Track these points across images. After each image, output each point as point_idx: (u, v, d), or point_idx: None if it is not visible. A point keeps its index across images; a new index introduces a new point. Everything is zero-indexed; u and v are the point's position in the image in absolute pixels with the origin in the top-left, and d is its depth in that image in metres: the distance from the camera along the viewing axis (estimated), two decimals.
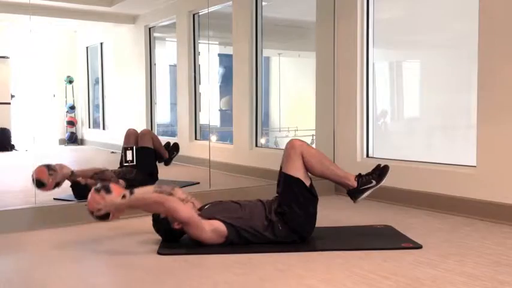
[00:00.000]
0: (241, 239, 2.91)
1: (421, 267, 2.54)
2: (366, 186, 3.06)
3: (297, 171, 2.96)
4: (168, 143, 5.20)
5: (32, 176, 3.97)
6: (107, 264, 2.79)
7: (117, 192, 2.96)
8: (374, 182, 3.06)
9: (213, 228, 2.86)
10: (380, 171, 3.09)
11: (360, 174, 3.10)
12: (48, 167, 4.07)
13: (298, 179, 2.95)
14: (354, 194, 3.08)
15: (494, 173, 3.61)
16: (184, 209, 2.84)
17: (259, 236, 2.93)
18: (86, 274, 2.59)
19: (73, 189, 4.20)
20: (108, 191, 2.94)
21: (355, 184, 3.06)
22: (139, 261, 2.75)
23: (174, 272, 2.54)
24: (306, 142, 3.09)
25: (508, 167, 3.53)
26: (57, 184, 4.14)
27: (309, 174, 3.03)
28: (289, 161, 2.98)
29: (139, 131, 4.91)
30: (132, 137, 4.71)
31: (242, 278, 2.43)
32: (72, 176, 4.22)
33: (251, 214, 2.95)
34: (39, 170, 4.02)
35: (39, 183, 3.99)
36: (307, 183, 2.99)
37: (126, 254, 2.89)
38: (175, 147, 5.10)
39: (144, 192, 2.98)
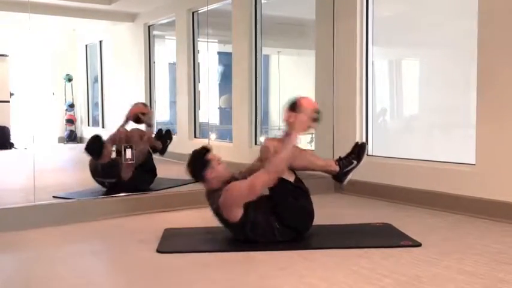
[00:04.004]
0: (243, 230, 2.91)
1: (420, 265, 2.54)
2: (348, 168, 3.16)
3: None
4: (160, 130, 5.14)
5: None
6: (106, 262, 2.80)
7: (307, 104, 3.00)
8: (355, 162, 3.18)
9: (240, 209, 2.87)
10: (358, 150, 3.20)
11: (340, 157, 3.20)
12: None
13: (281, 179, 2.95)
14: (339, 177, 3.18)
15: (493, 171, 3.62)
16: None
17: (260, 231, 2.92)
18: (85, 272, 2.59)
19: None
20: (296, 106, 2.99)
21: (337, 168, 3.16)
22: (138, 259, 2.75)
23: (173, 270, 2.54)
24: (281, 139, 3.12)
25: (507, 165, 3.53)
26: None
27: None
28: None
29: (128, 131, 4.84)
30: (123, 138, 4.67)
31: (242, 276, 2.44)
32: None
33: (251, 209, 2.95)
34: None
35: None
36: (291, 179, 3.00)
37: (125, 252, 2.90)
38: (168, 134, 5.04)
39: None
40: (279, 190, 2.94)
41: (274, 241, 2.93)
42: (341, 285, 2.29)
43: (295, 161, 3.02)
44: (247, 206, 2.88)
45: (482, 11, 3.65)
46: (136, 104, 4.82)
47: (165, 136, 4.98)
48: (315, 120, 3.02)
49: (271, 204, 2.96)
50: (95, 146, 4.43)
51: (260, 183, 2.86)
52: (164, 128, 5.24)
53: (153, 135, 5.04)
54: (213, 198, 2.96)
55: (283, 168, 2.91)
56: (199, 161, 2.99)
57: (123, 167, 4.42)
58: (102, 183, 4.48)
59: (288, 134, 2.95)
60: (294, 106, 2.99)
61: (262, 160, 3.07)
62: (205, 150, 3.04)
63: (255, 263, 2.63)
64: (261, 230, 2.92)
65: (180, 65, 6.55)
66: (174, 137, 5.35)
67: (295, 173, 3.05)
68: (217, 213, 2.95)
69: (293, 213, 2.97)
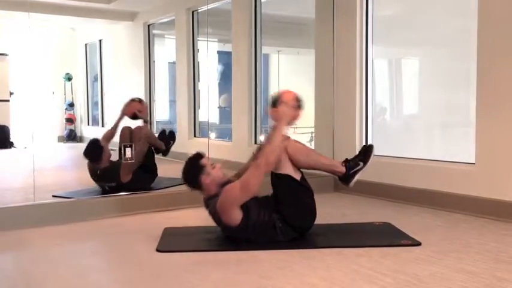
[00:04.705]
0: (246, 233, 2.91)
1: (420, 264, 2.55)
2: (355, 170, 3.15)
3: (285, 168, 2.98)
4: (163, 131, 5.14)
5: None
6: (106, 262, 2.80)
7: (288, 98, 3.04)
8: (361, 164, 3.16)
9: (238, 212, 2.86)
10: (365, 152, 3.19)
11: (346, 159, 3.19)
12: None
13: (288, 176, 2.97)
14: (345, 179, 3.16)
15: (493, 170, 3.62)
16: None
17: (261, 232, 2.91)
18: (85, 271, 2.59)
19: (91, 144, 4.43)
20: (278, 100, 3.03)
21: (344, 170, 3.14)
22: (138, 258, 2.75)
23: (173, 269, 2.54)
24: (288, 137, 3.12)
25: (507, 164, 3.53)
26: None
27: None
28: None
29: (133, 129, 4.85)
30: (127, 135, 4.69)
31: (241, 276, 2.43)
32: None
33: (255, 211, 2.95)
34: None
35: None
36: (298, 177, 3.00)
37: (125, 251, 2.90)
38: (171, 135, 5.05)
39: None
40: (285, 188, 2.95)
41: (275, 240, 2.93)
42: (341, 284, 2.29)
43: (301, 159, 3.01)
44: (248, 209, 2.87)
45: (482, 9, 3.65)
46: (132, 101, 4.78)
47: (168, 137, 4.99)
48: (298, 107, 3.04)
49: (275, 202, 2.97)
50: (94, 150, 4.44)
51: (252, 180, 2.82)
52: (167, 129, 5.24)
53: (156, 135, 5.05)
54: (211, 204, 2.94)
55: (273, 161, 2.88)
56: (193, 168, 2.97)
57: (122, 171, 4.41)
58: (102, 186, 4.49)
59: (274, 127, 2.97)
60: (274, 102, 3.03)
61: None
62: (198, 155, 3.02)
63: (255, 262, 2.63)
64: (263, 230, 2.92)
65: (179, 64, 6.54)
66: None
67: (301, 172, 3.05)
68: (217, 220, 2.93)
69: (297, 211, 2.97)
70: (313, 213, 3.05)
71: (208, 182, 2.94)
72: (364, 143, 4.67)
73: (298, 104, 3.05)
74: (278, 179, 3.00)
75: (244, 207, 2.87)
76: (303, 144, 3.15)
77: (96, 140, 4.51)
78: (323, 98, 5.00)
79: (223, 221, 2.90)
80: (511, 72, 3.50)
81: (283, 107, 2.99)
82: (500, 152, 3.57)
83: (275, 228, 2.92)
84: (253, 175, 2.82)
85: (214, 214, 2.92)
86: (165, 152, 4.94)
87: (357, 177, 3.15)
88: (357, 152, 3.29)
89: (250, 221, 2.88)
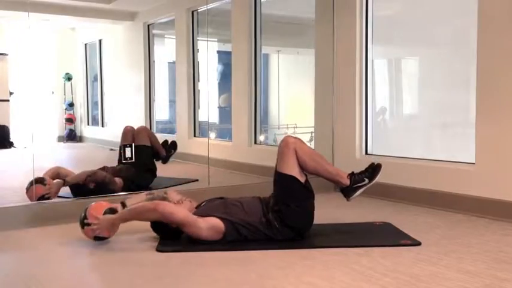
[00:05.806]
0: (240, 236, 2.92)
1: (420, 264, 2.54)
2: (358, 184, 3.09)
3: (291, 169, 2.97)
4: (166, 141, 5.19)
5: (31, 196, 3.81)
6: (105, 262, 2.79)
7: (96, 212, 2.97)
8: (367, 180, 3.10)
9: (210, 226, 2.87)
10: (373, 170, 3.13)
11: (352, 172, 3.13)
12: (41, 182, 3.88)
13: (292, 177, 2.96)
14: (347, 191, 3.12)
15: (493, 170, 3.62)
16: (179, 210, 2.87)
17: (257, 232, 2.93)
18: (84, 271, 2.59)
19: (71, 189, 4.19)
20: (86, 218, 2.97)
21: (347, 182, 3.09)
22: (138, 258, 2.75)
23: (173, 270, 2.54)
24: (299, 139, 3.10)
25: (507, 164, 3.53)
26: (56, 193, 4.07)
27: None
28: (283, 159, 2.99)
29: (136, 128, 4.88)
30: (129, 134, 4.70)
31: (241, 275, 2.43)
32: (65, 184, 4.14)
33: (248, 210, 2.96)
34: (36, 190, 3.80)
35: (44, 199, 3.85)
36: (302, 180, 2.99)
37: (125, 251, 2.89)
38: (173, 145, 5.09)
39: (135, 202, 3.03)
40: (288, 188, 2.95)
41: (274, 240, 2.93)
42: (341, 284, 2.29)
43: (308, 162, 2.99)
44: (227, 215, 2.91)
45: (482, 9, 3.65)
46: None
47: (170, 146, 5.06)
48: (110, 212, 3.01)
49: (275, 202, 2.96)
50: (80, 190, 4.13)
51: (172, 219, 2.85)
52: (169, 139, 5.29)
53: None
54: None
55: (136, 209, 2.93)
56: (169, 232, 2.98)
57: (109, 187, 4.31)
58: None
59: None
60: (82, 220, 2.99)
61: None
62: (154, 226, 3.03)
63: (255, 262, 2.63)
64: (256, 229, 2.93)
65: (179, 64, 6.54)
66: (174, 136, 5.38)
67: (305, 175, 3.04)
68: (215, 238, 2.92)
69: (296, 213, 2.96)
70: (311, 218, 3.05)
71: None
72: (364, 143, 4.67)
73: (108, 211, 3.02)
74: (282, 178, 3.00)
75: (222, 217, 2.90)
76: (312, 148, 3.14)
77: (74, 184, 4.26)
78: (323, 98, 5.00)
79: (210, 239, 2.90)
80: (511, 72, 3.49)
81: (95, 220, 2.95)
82: (500, 152, 3.57)
83: (271, 227, 2.92)
84: (173, 219, 2.84)
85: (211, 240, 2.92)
86: (165, 160, 4.99)
87: (359, 192, 3.10)
88: (365, 168, 3.20)
89: (234, 223, 2.90)
